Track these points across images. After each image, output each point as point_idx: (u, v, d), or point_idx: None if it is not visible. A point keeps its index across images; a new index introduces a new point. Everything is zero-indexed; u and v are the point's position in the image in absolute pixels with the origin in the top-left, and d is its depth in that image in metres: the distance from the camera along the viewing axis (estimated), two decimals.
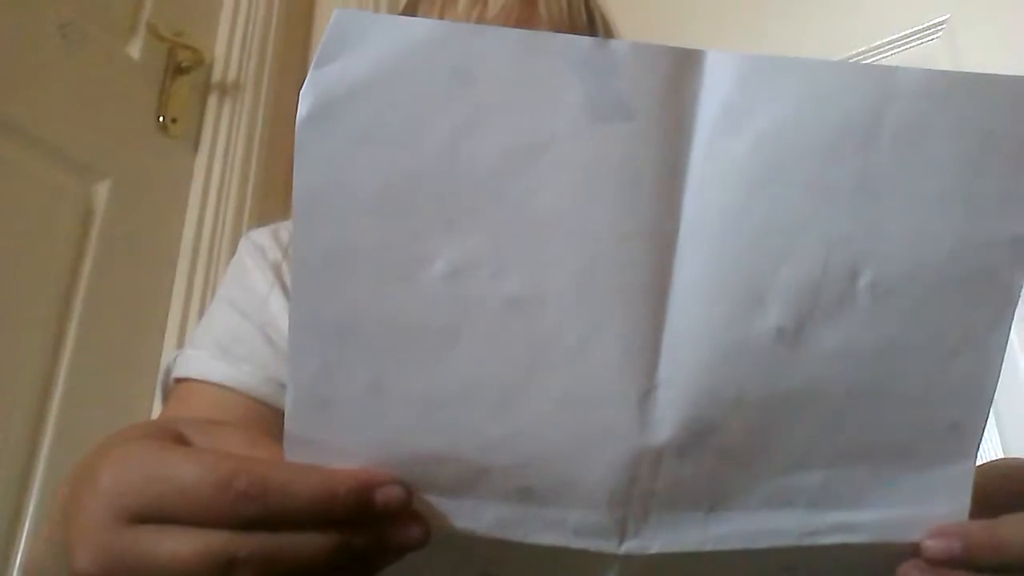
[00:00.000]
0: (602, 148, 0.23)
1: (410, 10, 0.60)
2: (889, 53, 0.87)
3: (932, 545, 0.26)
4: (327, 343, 0.24)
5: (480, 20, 0.53)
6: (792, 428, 0.26)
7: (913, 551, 0.27)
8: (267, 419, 0.45)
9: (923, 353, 0.26)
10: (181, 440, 0.25)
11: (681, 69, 0.24)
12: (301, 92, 0.23)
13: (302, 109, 0.23)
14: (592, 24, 0.57)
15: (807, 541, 0.27)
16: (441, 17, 0.55)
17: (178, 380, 0.49)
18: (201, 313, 0.96)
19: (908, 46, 0.86)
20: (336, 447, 0.24)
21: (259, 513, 0.22)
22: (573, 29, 0.55)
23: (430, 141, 0.23)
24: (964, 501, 0.27)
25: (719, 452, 0.26)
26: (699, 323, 0.25)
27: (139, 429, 0.26)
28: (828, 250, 0.24)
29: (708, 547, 0.26)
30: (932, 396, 0.26)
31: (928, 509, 0.27)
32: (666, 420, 0.25)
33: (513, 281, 0.24)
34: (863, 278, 0.25)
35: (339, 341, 0.24)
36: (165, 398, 0.53)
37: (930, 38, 0.84)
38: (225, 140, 1.06)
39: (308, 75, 0.23)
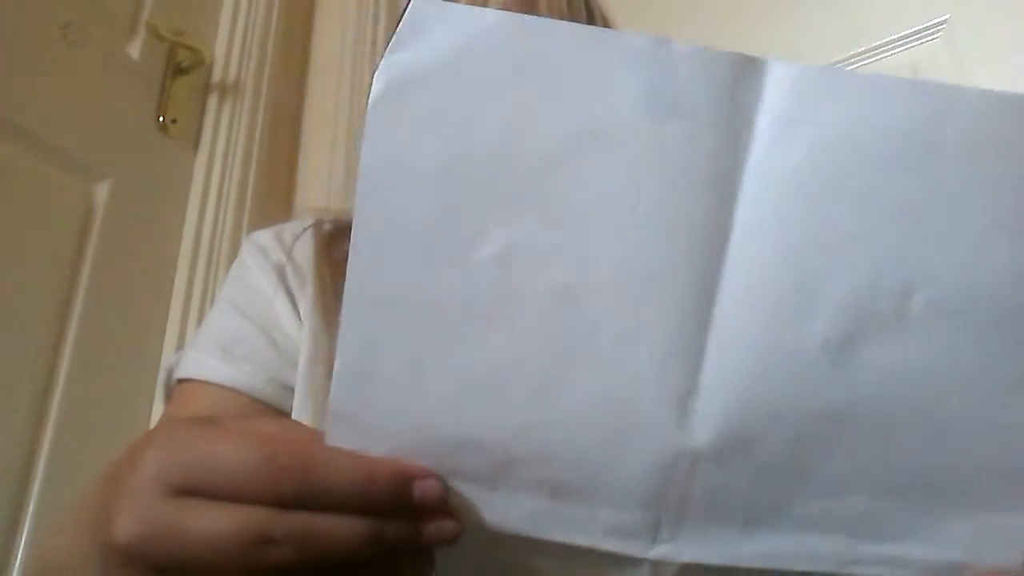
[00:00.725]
0: (656, 145, 0.24)
1: None
2: (889, 53, 0.87)
3: None
4: (374, 316, 0.24)
5: None
6: (834, 448, 0.25)
7: None
8: None
9: (978, 385, 0.25)
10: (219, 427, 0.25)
11: (740, 75, 0.24)
12: (375, 74, 0.24)
13: (374, 90, 0.24)
14: (591, 19, 0.58)
15: (847, 569, 0.26)
16: None
17: (180, 381, 0.49)
18: (201, 313, 0.96)
19: (908, 46, 0.86)
20: (375, 426, 0.25)
21: (299, 490, 0.22)
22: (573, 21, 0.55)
23: (490, 124, 0.24)
24: (1016, 556, 0.26)
25: (758, 465, 0.25)
26: (746, 329, 0.24)
27: (171, 423, 0.26)
28: (879, 266, 0.24)
29: (743, 563, 0.26)
30: (986, 436, 0.25)
31: (978, 557, 0.26)
32: (705, 425, 0.25)
33: (560, 270, 0.24)
34: (917, 298, 0.24)
35: (385, 315, 0.24)
36: (167, 399, 0.53)
37: (930, 38, 0.84)
38: (225, 140, 1.06)
39: (383, 59, 0.24)
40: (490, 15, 0.23)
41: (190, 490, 0.23)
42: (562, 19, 0.55)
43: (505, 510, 0.26)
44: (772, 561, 0.26)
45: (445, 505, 0.24)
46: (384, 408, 0.25)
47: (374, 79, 0.24)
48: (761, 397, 0.25)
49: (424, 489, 0.24)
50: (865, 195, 0.24)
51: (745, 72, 0.24)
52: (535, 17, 0.24)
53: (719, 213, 0.24)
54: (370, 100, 0.24)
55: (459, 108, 0.24)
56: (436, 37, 0.23)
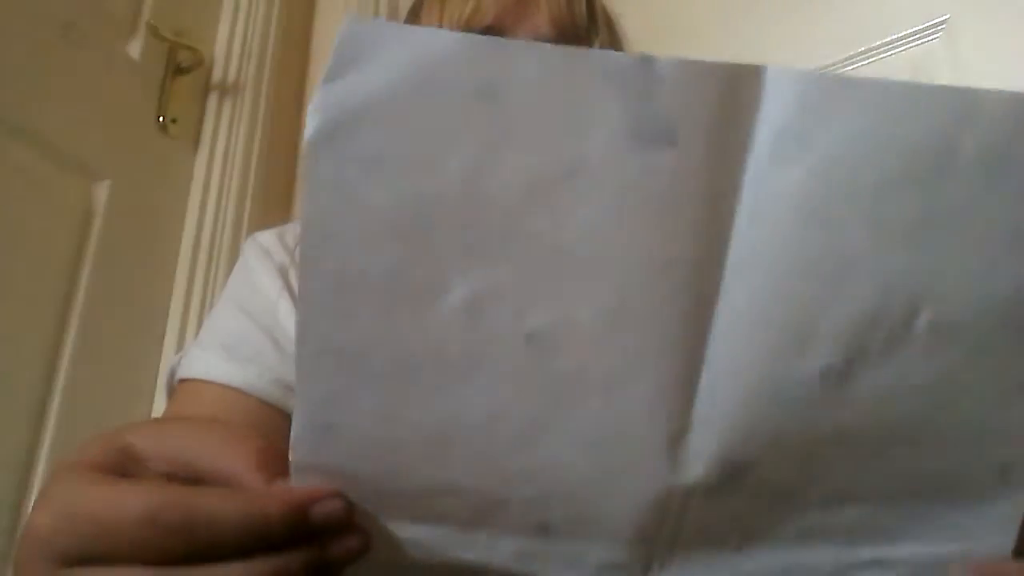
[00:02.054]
0: (641, 175, 0.21)
1: (413, 9, 0.60)
2: (889, 53, 0.87)
3: None
4: (335, 369, 0.23)
5: (479, 3, 0.54)
6: (831, 465, 0.24)
7: None
8: (273, 421, 0.45)
9: (976, 395, 0.24)
10: (127, 452, 0.24)
11: (736, 87, 0.21)
12: (309, 109, 0.21)
13: (310, 128, 0.21)
14: (592, 17, 0.57)
15: (844, 575, 0.25)
16: (443, 8, 0.56)
17: (182, 380, 0.49)
18: (201, 313, 0.96)
19: (908, 46, 0.86)
20: (342, 477, 0.23)
21: (186, 547, 0.21)
22: (572, 20, 0.56)
23: (450, 164, 0.21)
24: (1008, 541, 0.25)
25: (752, 490, 0.24)
26: (741, 361, 0.23)
27: (83, 450, 0.25)
28: (885, 287, 0.22)
29: None
30: (983, 437, 0.24)
31: (969, 547, 0.25)
32: (698, 460, 0.24)
33: (536, 315, 0.22)
34: (922, 318, 0.23)
35: (348, 368, 0.23)
36: (169, 398, 0.53)
37: (930, 38, 0.84)
38: (225, 140, 1.06)
39: (317, 91, 0.21)
40: (443, 37, 0.21)
41: (78, 558, 0.22)
42: (561, 14, 0.55)
43: (490, 550, 0.25)
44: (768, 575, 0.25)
45: (350, 522, 0.23)
46: (351, 460, 0.23)
47: (309, 114, 0.21)
48: (756, 426, 0.24)
49: (324, 511, 0.23)
50: (874, 212, 0.22)
51: (740, 85, 0.21)
52: (492, 38, 0.21)
53: (710, 245, 0.22)
54: (306, 139, 0.21)
55: (413, 144, 0.21)
56: (380, 63, 0.21)
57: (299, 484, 0.23)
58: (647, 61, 0.21)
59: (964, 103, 0.21)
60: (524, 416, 0.23)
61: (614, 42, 0.60)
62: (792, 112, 0.21)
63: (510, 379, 0.23)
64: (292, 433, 0.23)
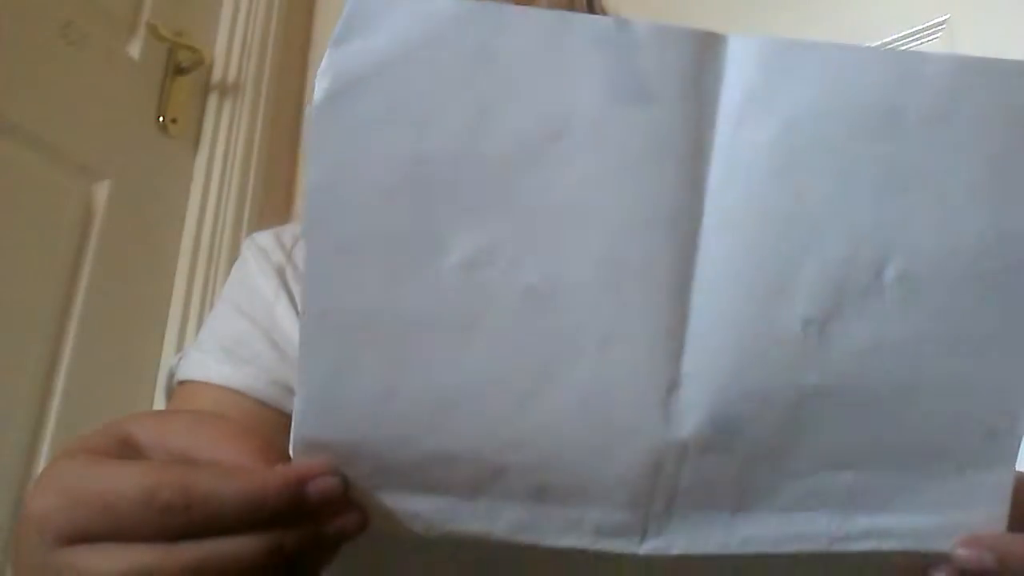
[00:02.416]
0: (623, 132, 0.23)
1: None
2: None
3: (964, 554, 0.25)
4: (340, 341, 0.23)
5: None
6: (820, 426, 0.25)
7: (945, 559, 0.25)
8: (272, 422, 0.45)
9: (953, 349, 0.24)
10: (127, 442, 0.24)
11: (703, 52, 0.23)
12: (319, 71, 0.22)
13: (319, 89, 0.22)
14: (592, 10, 0.58)
15: (837, 547, 0.26)
16: None
17: (181, 382, 0.49)
18: (201, 313, 0.96)
19: (908, 46, 0.86)
20: (345, 448, 0.24)
21: (185, 524, 0.21)
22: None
23: (450, 122, 0.22)
24: (1002, 510, 0.26)
25: (745, 449, 0.25)
26: (724, 314, 0.24)
27: (84, 439, 0.25)
28: (854, 240, 0.24)
29: (732, 550, 0.25)
30: (965, 397, 0.25)
31: (964, 517, 0.26)
32: (691, 415, 0.24)
33: (532, 271, 0.23)
34: (890, 270, 0.24)
35: (352, 339, 0.23)
36: (168, 400, 0.53)
37: (930, 38, 0.84)
38: (225, 140, 1.06)
39: (326, 54, 0.22)
40: (442, 3, 0.22)
41: (78, 537, 0.22)
42: (561, 8, 0.55)
43: (490, 519, 0.25)
44: (762, 546, 0.26)
45: (346, 498, 0.23)
46: (354, 434, 0.24)
47: (318, 78, 0.22)
48: (744, 382, 0.24)
49: (319, 488, 0.23)
50: (838, 168, 0.23)
51: (707, 50, 0.23)
52: (490, 3, 0.22)
53: (690, 199, 0.23)
54: (315, 100, 0.22)
55: (414, 106, 0.22)
56: (384, 29, 0.22)
57: (296, 460, 0.24)
58: (625, 24, 0.22)
59: (905, 66, 0.23)
60: (521, 378, 0.24)
61: None
62: (756, 76, 0.23)
63: (508, 337, 0.24)
64: (295, 409, 0.24)
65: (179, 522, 0.21)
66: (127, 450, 0.24)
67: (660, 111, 0.23)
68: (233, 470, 0.22)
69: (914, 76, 0.23)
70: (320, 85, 0.22)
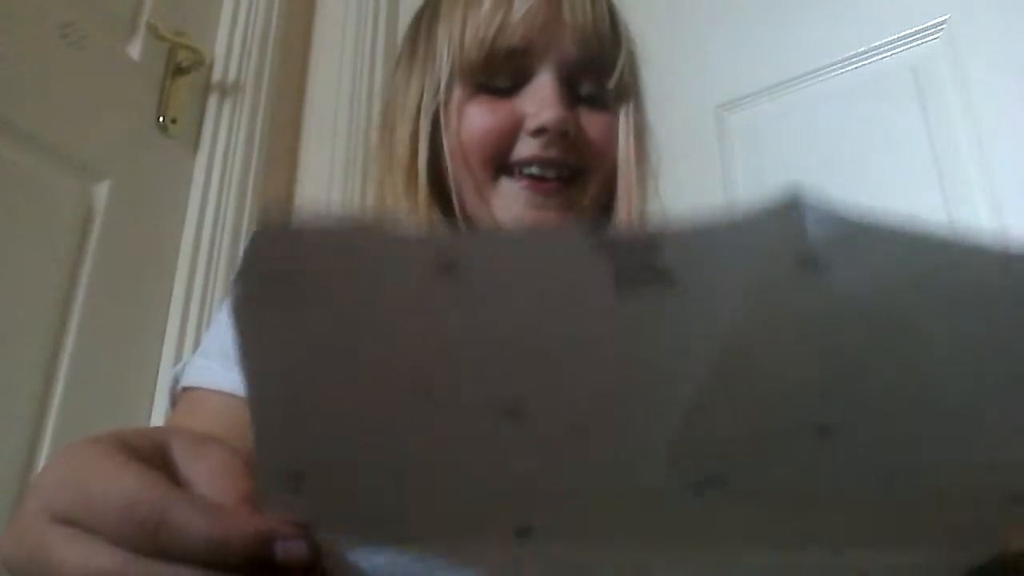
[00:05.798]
0: (631, 313, 0.20)
1: (430, 12, 0.59)
2: (889, 53, 0.87)
3: None
4: (296, 420, 0.22)
5: (504, 22, 0.52)
6: (819, 502, 0.24)
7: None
8: None
9: (989, 434, 0.23)
10: (162, 451, 0.25)
11: (759, 233, 0.19)
12: (232, 278, 0.20)
13: (233, 295, 0.19)
14: (616, 35, 0.56)
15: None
16: (464, 18, 0.54)
17: (186, 389, 0.49)
18: (201, 313, 0.96)
19: (908, 46, 0.86)
20: (318, 511, 0.23)
21: (152, 545, 0.22)
22: (597, 33, 0.54)
23: (410, 333, 0.20)
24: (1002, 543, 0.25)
25: (736, 494, 0.24)
26: (734, 416, 0.22)
27: (126, 432, 0.26)
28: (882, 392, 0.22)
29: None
30: (992, 469, 0.24)
31: (964, 554, 0.25)
32: (681, 468, 0.24)
33: (515, 398, 0.22)
34: (928, 410, 0.22)
35: (309, 418, 0.22)
36: (172, 405, 0.53)
37: (930, 38, 0.84)
38: (225, 140, 1.06)
39: (230, 292, 0.19)
40: (388, 228, 0.19)
41: (68, 519, 0.23)
42: (586, 28, 0.53)
43: (472, 565, 0.25)
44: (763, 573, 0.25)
45: (315, 564, 0.23)
46: (326, 498, 0.23)
47: (231, 284, 0.19)
48: (741, 452, 0.23)
49: (287, 550, 0.23)
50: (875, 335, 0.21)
51: (769, 228, 0.19)
52: (445, 227, 0.20)
53: (706, 358, 0.21)
54: (231, 305, 0.19)
55: (363, 316, 0.20)
56: (303, 277, 0.19)
57: (272, 509, 0.23)
58: (645, 235, 0.19)
59: (1000, 262, 0.20)
60: (500, 442, 0.23)
61: (633, 60, 0.59)
62: (823, 246, 0.19)
63: (483, 447, 0.23)
64: (258, 482, 0.23)
65: (147, 540, 0.22)
66: (158, 459, 0.25)
67: (681, 290, 0.20)
68: (209, 507, 0.23)
69: (1007, 270, 0.20)
70: (232, 291, 0.19)
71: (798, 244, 0.19)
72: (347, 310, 0.20)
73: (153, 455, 0.25)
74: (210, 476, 0.24)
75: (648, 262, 0.19)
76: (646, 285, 0.20)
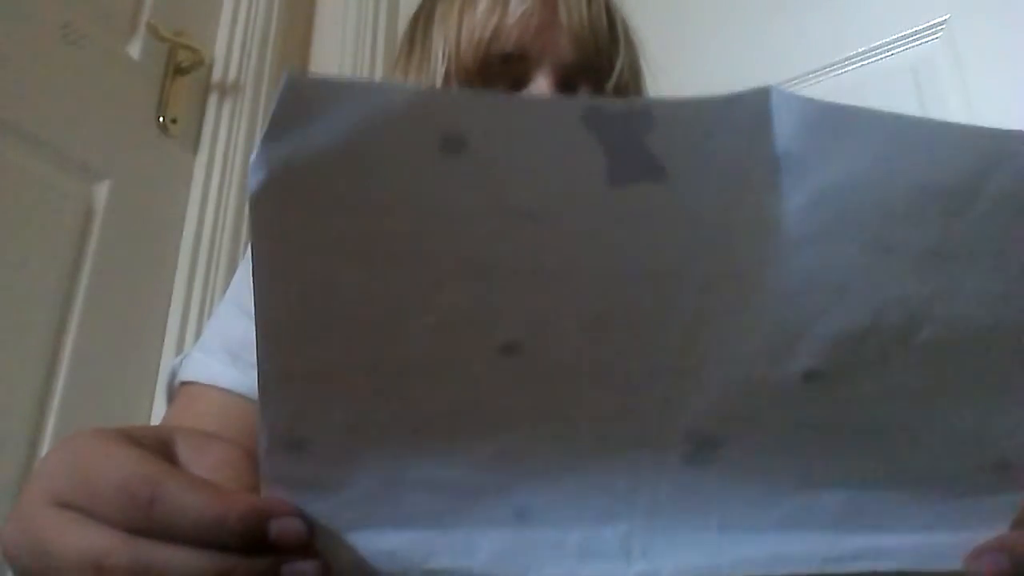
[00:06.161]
0: (625, 208, 0.21)
1: (426, 13, 0.59)
2: (889, 53, 0.87)
3: (977, 566, 0.25)
4: (300, 391, 0.22)
5: (499, 26, 0.52)
6: (812, 449, 0.24)
7: None
8: None
9: (974, 400, 0.23)
10: (167, 447, 0.25)
11: (736, 117, 0.20)
12: (251, 162, 0.20)
13: (253, 183, 0.20)
14: (614, 35, 0.56)
15: (830, 568, 0.25)
16: (460, 22, 0.53)
17: (184, 383, 0.49)
18: (201, 313, 0.96)
19: (908, 46, 0.86)
20: (316, 485, 0.23)
21: (145, 520, 0.22)
22: (593, 34, 0.54)
23: (418, 209, 0.20)
24: (1004, 527, 0.25)
25: (726, 465, 0.24)
26: (721, 362, 0.23)
27: (133, 427, 0.26)
28: (881, 307, 0.22)
29: (724, 572, 0.25)
30: (976, 435, 0.24)
31: (965, 536, 0.25)
32: (670, 430, 0.24)
33: (509, 330, 0.22)
34: (920, 335, 0.22)
35: (314, 387, 0.22)
36: (170, 400, 0.53)
37: (930, 38, 0.84)
38: (225, 140, 1.06)
39: (258, 146, 0.20)
40: (399, 90, 0.19)
41: (70, 503, 0.23)
42: (582, 28, 0.52)
43: (468, 550, 0.25)
44: (753, 567, 0.25)
45: (307, 545, 0.23)
46: (325, 469, 0.23)
47: (251, 168, 0.20)
48: (731, 408, 0.23)
49: (282, 528, 0.23)
50: (874, 239, 0.21)
51: (743, 113, 0.20)
52: (459, 90, 0.21)
53: (705, 264, 0.22)
54: (250, 194, 0.20)
55: (374, 193, 0.20)
56: (329, 117, 0.20)
57: (268, 494, 0.24)
58: (635, 107, 0.20)
59: (990, 145, 0.21)
60: (498, 408, 0.23)
61: (633, 59, 0.58)
62: (795, 139, 0.20)
63: (484, 381, 0.23)
64: (259, 451, 0.23)
65: (142, 517, 0.22)
66: (160, 452, 0.25)
67: (673, 186, 0.21)
68: (204, 484, 0.23)
69: (998, 155, 0.21)
70: (255, 176, 0.20)
71: (767, 140, 0.20)
72: (358, 187, 0.20)
73: (156, 447, 0.25)
74: (213, 469, 0.24)
75: (639, 140, 0.20)
76: (639, 179, 0.20)
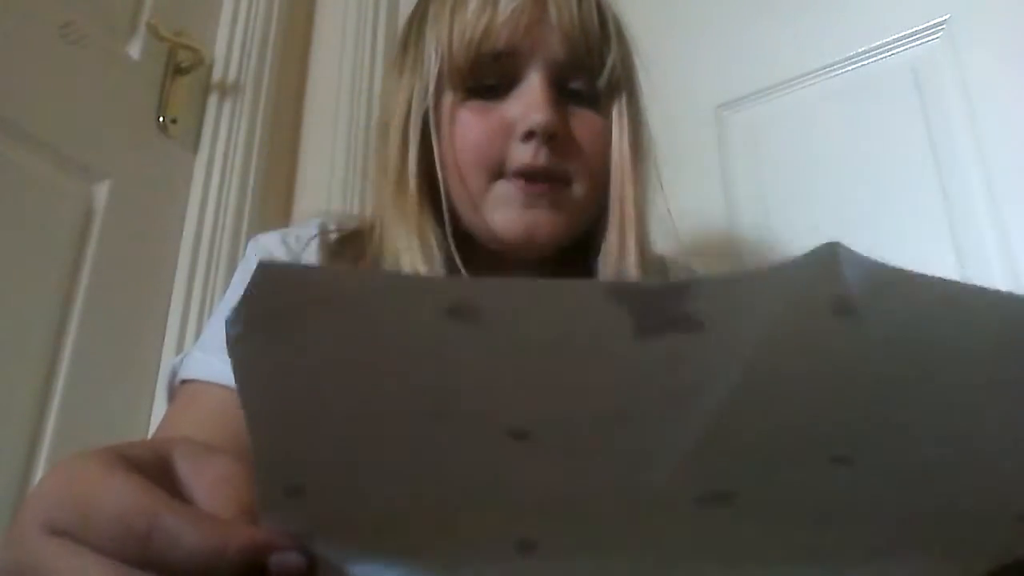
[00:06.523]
0: (652, 353, 0.19)
1: (420, 14, 0.59)
2: (889, 53, 0.87)
3: None
4: (294, 433, 0.22)
5: (490, 25, 0.52)
6: (826, 498, 0.24)
7: None
8: None
9: (994, 461, 0.23)
10: (165, 464, 0.25)
11: (791, 279, 0.18)
12: (226, 320, 0.19)
13: (232, 333, 0.19)
14: (605, 32, 0.56)
15: None
16: (451, 21, 0.53)
17: (184, 382, 0.49)
18: (201, 313, 0.96)
19: (908, 46, 0.86)
20: (318, 523, 0.23)
21: (143, 554, 0.22)
22: (584, 31, 0.54)
23: (420, 376, 0.20)
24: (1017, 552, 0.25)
25: (739, 509, 0.24)
26: (749, 436, 0.22)
27: (129, 444, 0.25)
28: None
29: None
30: (1001, 490, 0.23)
31: (970, 564, 0.25)
32: (684, 483, 0.23)
33: (519, 419, 0.21)
34: (926, 452, 0.22)
35: (308, 432, 0.22)
36: (170, 399, 0.53)
37: (930, 38, 0.84)
38: (225, 140, 1.06)
39: (229, 336, 0.19)
40: (396, 277, 0.18)
41: (65, 531, 0.23)
42: (572, 27, 0.52)
43: None
44: None
45: None
46: (326, 513, 0.23)
47: (227, 323, 0.19)
48: (748, 473, 0.23)
49: (282, 562, 0.22)
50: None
51: (803, 273, 0.18)
52: (464, 278, 0.19)
53: (723, 388, 0.21)
54: (230, 337, 0.19)
55: (370, 363, 0.19)
56: (317, 323, 0.19)
57: (268, 522, 0.23)
58: (671, 288, 0.18)
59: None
60: (502, 445, 0.22)
61: (625, 55, 0.58)
62: (859, 291, 0.19)
63: (487, 463, 0.22)
64: (257, 496, 0.23)
65: (138, 549, 0.22)
66: (158, 469, 0.24)
67: (707, 335, 0.19)
68: (202, 516, 0.23)
69: None
70: (232, 329, 0.19)
71: (834, 289, 0.18)
72: (351, 347, 0.19)
73: (153, 465, 0.24)
74: (212, 486, 0.24)
75: (674, 309, 0.18)
76: (670, 330, 0.19)
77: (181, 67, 1.04)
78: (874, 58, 0.88)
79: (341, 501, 0.23)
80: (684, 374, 0.20)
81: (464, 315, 0.18)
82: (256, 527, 0.23)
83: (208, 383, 0.47)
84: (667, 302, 0.18)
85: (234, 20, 1.12)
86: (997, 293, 0.19)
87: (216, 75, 1.09)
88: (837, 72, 0.89)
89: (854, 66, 0.89)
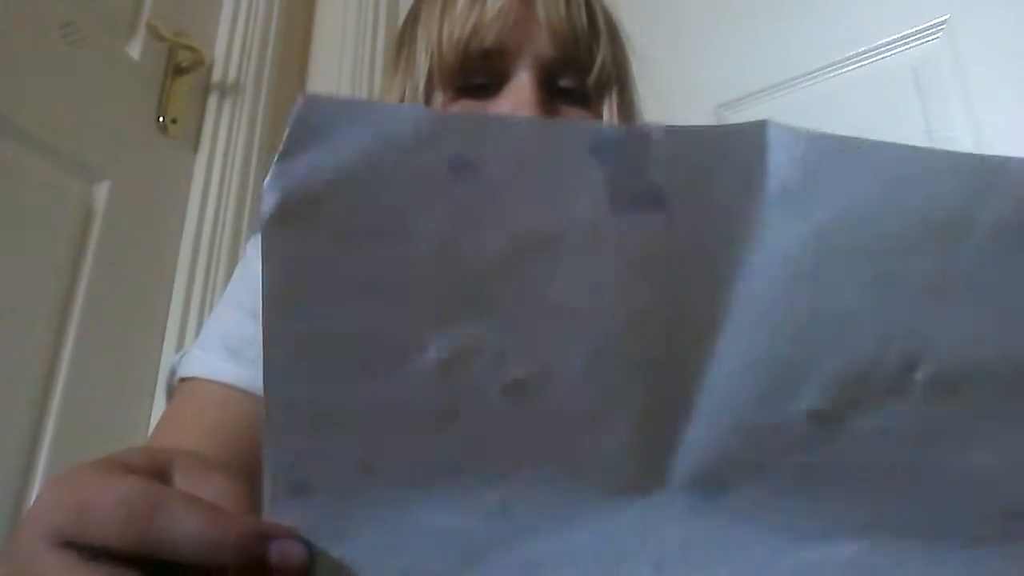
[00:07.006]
0: (624, 238, 0.21)
1: (413, 15, 0.59)
2: (889, 53, 0.87)
3: None
4: (305, 432, 0.22)
5: (478, 22, 0.52)
6: (818, 497, 0.24)
7: None
8: None
9: (977, 441, 0.23)
10: (163, 475, 0.25)
11: (733, 150, 0.21)
12: (265, 185, 0.20)
13: (267, 205, 0.20)
14: (594, 28, 0.56)
15: None
16: (441, 21, 0.54)
17: (183, 379, 0.49)
18: (201, 313, 0.96)
19: (908, 46, 0.86)
20: (320, 535, 0.23)
21: (141, 537, 0.21)
22: (572, 30, 0.54)
23: (425, 234, 0.21)
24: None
25: (735, 514, 0.24)
26: (725, 401, 0.23)
27: (126, 452, 0.25)
28: (882, 341, 0.22)
29: None
30: (985, 482, 0.24)
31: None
32: (677, 479, 0.24)
33: (515, 368, 0.22)
34: (920, 371, 0.22)
35: (318, 429, 0.22)
36: (169, 397, 0.53)
37: (930, 38, 0.84)
38: (225, 140, 1.06)
39: (272, 168, 0.20)
40: (411, 112, 0.20)
41: (67, 537, 0.22)
42: (559, 24, 0.53)
43: None
44: None
45: (308, 570, 0.23)
46: (330, 516, 0.23)
47: (264, 189, 0.21)
48: (738, 454, 0.23)
49: (283, 550, 0.22)
50: (875, 273, 0.21)
51: (740, 147, 0.21)
52: (468, 114, 0.21)
53: (701, 297, 0.22)
54: (263, 218, 0.20)
55: (384, 218, 0.21)
56: (341, 141, 0.20)
57: (277, 518, 0.23)
58: (635, 133, 0.20)
59: (983, 174, 0.20)
60: (501, 454, 0.23)
61: (617, 52, 0.58)
62: (793, 173, 0.20)
63: (487, 424, 0.23)
64: (264, 493, 0.23)
65: (140, 531, 0.21)
66: (156, 477, 0.24)
67: (673, 216, 0.21)
68: (204, 504, 0.22)
69: (993, 182, 0.20)
70: (266, 200, 0.20)
71: (761, 166, 0.20)
72: (369, 209, 0.20)
73: (151, 474, 0.24)
74: (212, 500, 0.24)
75: (639, 174, 0.20)
76: (639, 207, 0.20)
77: (181, 67, 1.03)
78: (874, 58, 0.88)
79: (344, 504, 0.23)
80: (657, 281, 0.22)
81: (463, 170, 0.20)
82: (258, 518, 0.23)
83: (207, 381, 0.47)
84: (633, 154, 0.20)
85: (234, 20, 1.12)
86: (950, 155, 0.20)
87: (216, 75, 1.09)
88: (837, 72, 0.89)
89: (854, 66, 0.89)
